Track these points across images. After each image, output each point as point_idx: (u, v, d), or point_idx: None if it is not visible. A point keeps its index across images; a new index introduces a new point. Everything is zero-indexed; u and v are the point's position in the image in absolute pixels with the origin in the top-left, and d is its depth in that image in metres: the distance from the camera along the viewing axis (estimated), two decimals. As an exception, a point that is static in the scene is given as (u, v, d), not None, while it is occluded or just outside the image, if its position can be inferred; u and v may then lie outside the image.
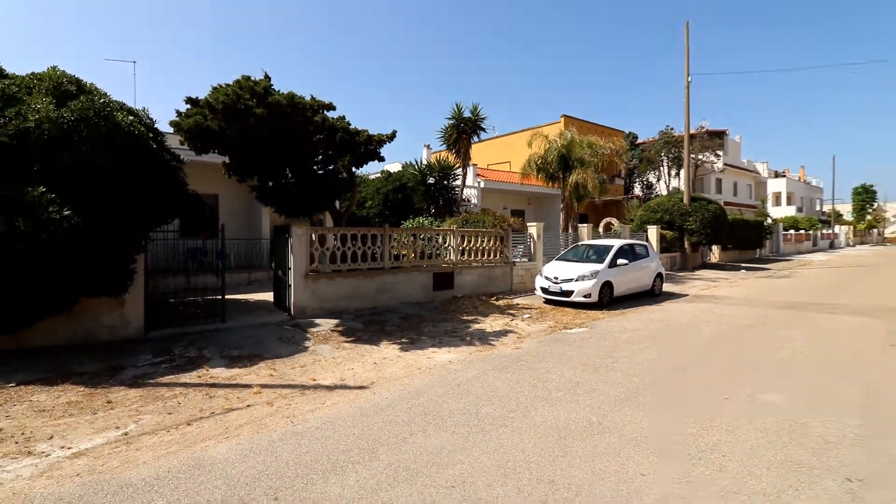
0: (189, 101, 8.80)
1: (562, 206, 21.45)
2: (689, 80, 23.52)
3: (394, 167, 22.80)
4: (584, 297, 11.07)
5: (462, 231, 13.02)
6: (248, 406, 4.89)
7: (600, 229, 23.99)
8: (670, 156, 36.37)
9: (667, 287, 14.42)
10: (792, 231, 42.24)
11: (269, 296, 11.27)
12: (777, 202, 54.89)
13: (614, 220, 24.44)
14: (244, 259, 15.51)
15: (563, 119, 31.15)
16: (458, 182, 19.08)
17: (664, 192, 35.73)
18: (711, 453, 3.70)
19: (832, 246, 50.04)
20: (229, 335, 7.86)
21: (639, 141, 41.19)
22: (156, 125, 8.11)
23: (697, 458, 3.63)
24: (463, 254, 12.90)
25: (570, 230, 19.48)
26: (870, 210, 67.88)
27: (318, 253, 9.79)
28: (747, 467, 3.47)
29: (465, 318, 9.85)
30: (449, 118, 19.00)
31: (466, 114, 18.75)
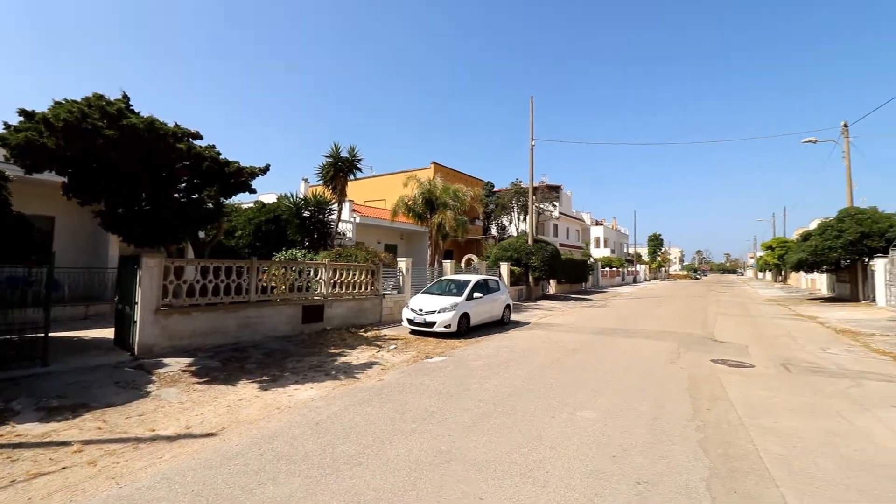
0: (23, 113, 7.29)
1: (429, 243, 22.12)
2: (533, 143, 26.34)
3: (269, 198, 21.43)
4: (445, 327, 11.36)
5: (334, 264, 12.58)
6: (63, 468, 3.96)
7: (462, 264, 25.13)
8: (519, 203, 40.16)
9: (514, 316, 15.51)
10: (607, 268, 48.95)
11: (110, 332, 9.50)
12: (597, 245, 63.43)
13: (474, 257, 25.85)
14: (83, 290, 12.96)
15: (433, 166, 32.51)
16: (334, 217, 18.58)
17: (514, 234, 39.10)
18: (538, 470, 3.95)
19: (635, 280, 59.08)
20: (51, 381, 6.39)
21: (496, 189, 44.70)
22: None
23: (527, 476, 3.84)
24: (335, 286, 12.44)
25: (436, 265, 20.05)
26: (659, 253, 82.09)
27: (172, 286, 8.59)
28: (565, 480, 3.76)
29: (333, 350, 9.39)
30: (327, 156, 18.58)
31: (344, 153, 18.54)
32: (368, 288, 13.45)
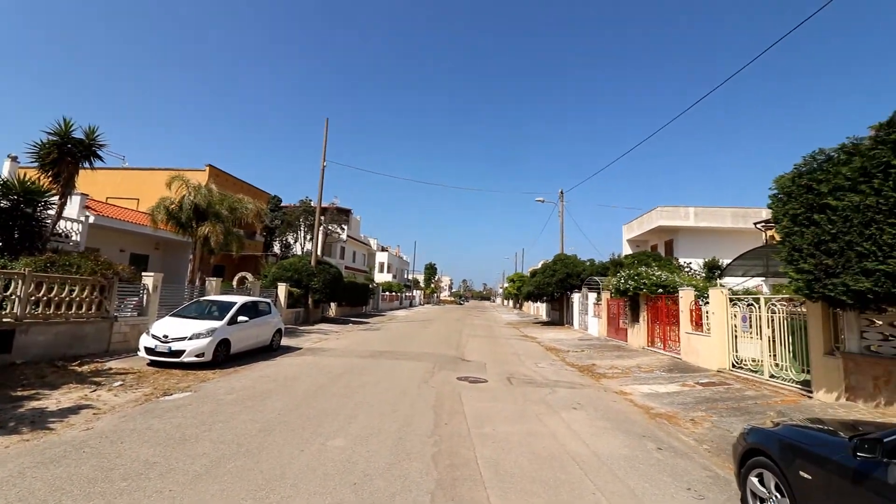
0: None
1: (192, 256, 19.03)
2: (325, 165, 26.05)
3: (-63, 178, 15.02)
4: (197, 356, 9.81)
5: (40, 276, 9.53)
6: None
7: (234, 283, 22.52)
8: (307, 222, 38.76)
9: (287, 341, 14.60)
10: (388, 292, 51.47)
11: None
12: (381, 269, 66.17)
13: (249, 275, 23.49)
14: None
15: (208, 168, 28.44)
16: (52, 212, 14.15)
17: (299, 253, 37.40)
18: (273, 515, 3.65)
19: (411, 304, 63.77)
20: None
21: (283, 204, 42.11)
22: None
23: (259, 524, 3.50)
24: (39, 305, 9.38)
25: (197, 283, 17.38)
26: (433, 280, 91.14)
27: None
28: (300, 521, 3.58)
29: (20, 393, 6.97)
30: (51, 133, 14.14)
31: (79, 134, 14.45)
32: (94, 308, 10.63)
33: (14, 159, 21.62)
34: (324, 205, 37.00)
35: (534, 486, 4.44)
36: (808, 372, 8.68)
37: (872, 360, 7.32)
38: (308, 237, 39.64)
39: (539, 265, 45.33)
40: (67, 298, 9.98)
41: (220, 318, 11.06)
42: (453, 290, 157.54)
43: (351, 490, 4.15)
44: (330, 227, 42.56)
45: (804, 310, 8.82)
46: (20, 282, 9.08)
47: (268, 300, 14.48)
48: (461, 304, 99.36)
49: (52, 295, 9.66)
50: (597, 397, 8.72)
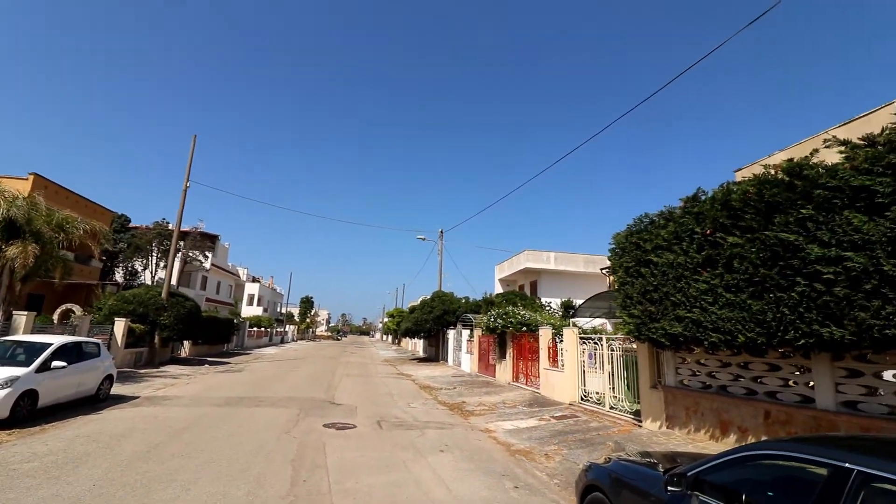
0: None
1: (-5, 283, 15.18)
2: (188, 185, 23.40)
3: None
4: (-16, 413, 7.67)
5: None
6: None
7: (56, 317, 18.59)
8: (161, 248, 33.98)
9: (120, 389, 12.29)
10: (255, 328, 47.10)
11: None
12: (251, 302, 60.63)
13: (76, 308, 19.59)
14: None
15: (32, 178, 23.47)
16: None
17: (149, 282, 32.41)
18: None
19: (283, 340, 59.08)
20: None
21: (131, 224, 36.42)
22: None
23: None
24: None
25: (1, 317, 13.89)
26: (310, 314, 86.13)
27: None
28: None
29: None
30: None
31: None
32: None
33: None
34: (185, 228, 33.02)
35: (393, 543, 4.27)
36: (639, 403, 10.04)
37: (684, 392, 8.76)
38: (162, 264, 34.67)
39: (418, 301, 45.96)
40: None
41: (28, 363, 8.91)
42: (331, 325, 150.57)
43: (177, 578, 3.51)
44: (191, 254, 37.91)
45: (635, 347, 10.29)
46: None
47: (97, 341, 12.07)
48: (339, 339, 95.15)
49: None
50: (464, 437, 8.90)
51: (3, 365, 8.79)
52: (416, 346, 45.67)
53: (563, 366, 13.26)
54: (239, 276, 56.78)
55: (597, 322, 19.25)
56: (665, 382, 9.22)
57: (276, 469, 6.31)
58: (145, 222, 36.83)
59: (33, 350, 9.46)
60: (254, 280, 64.92)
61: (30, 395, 8.59)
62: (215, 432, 8.32)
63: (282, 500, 5.19)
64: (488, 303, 26.42)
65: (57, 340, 10.02)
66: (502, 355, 18.32)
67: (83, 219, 18.79)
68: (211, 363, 22.93)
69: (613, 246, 9.96)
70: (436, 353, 31.91)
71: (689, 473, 3.23)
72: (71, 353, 9.98)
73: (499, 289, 34.18)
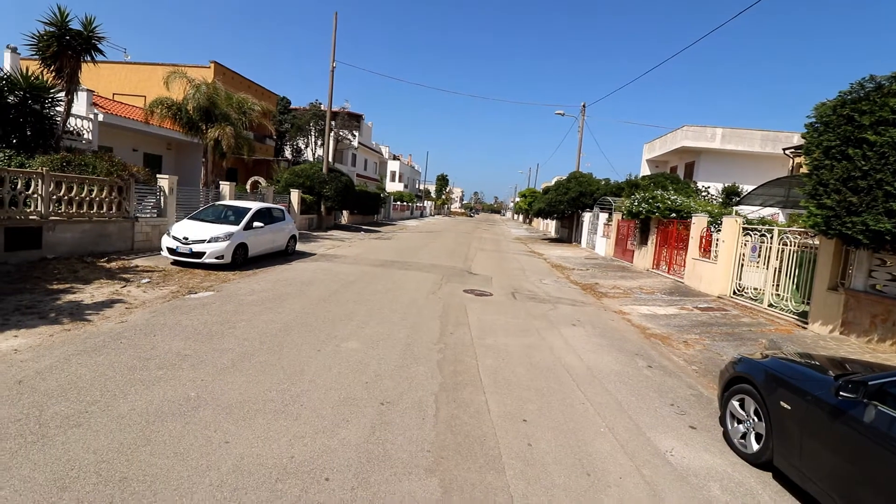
0: None
1: (204, 159, 18.93)
2: (334, 65, 24.58)
3: (-60, 66, 14.60)
4: (217, 258, 10.24)
5: (58, 176, 9.67)
6: None
7: (247, 187, 22.64)
8: (317, 127, 37.63)
9: (301, 247, 15.05)
10: (398, 202, 51.56)
11: None
12: (393, 178, 65.54)
13: (262, 180, 23.52)
14: None
15: (213, 66, 27.05)
16: (62, 109, 13.92)
17: (311, 159, 36.89)
18: (293, 405, 4.09)
19: (422, 215, 64.16)
20: None
21: (292, 107, 40.61)
22: None
23: (281, 412, 3.94)
24: (61, 204, 9.64)
25: (211, 186, 17.49)
26: (445, 192, 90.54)
27: None
28: (317, 411, 4.02)
29: (56, 286, 7.46)
30: (46, 23, 13.38)
31: (77, 25, 13.66)
32: (114, 208, 10.91)
33: (14, 50, 20.63)
34: (334, 109, 35.61)
35: (528, 393, 4.85)
36: (808, 304, 8.85)
37: (875, 298, 7.40)
38: (319, 142, 38.77)
39: (553, 182, 44.47)
40: (88, 198, 10.21)
41: (237, 223, 11.32)
42: (464, 202, 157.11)
43: (363, 388, 4.58)
44: (341, 133, 41.36)
45: (816, 242, 8.75)
46: (40, 181, 9.23)
47: (282, 207, 14.67)
48: (471, 216, 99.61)
49: (72, 194, 9.87)
50: (596, 315, 9.10)
51: (220, 223, 11.32)
52: (548, 226, 45.57)
53: (716, 257, 12.07)
54: (382, 154, 60.97)
55: (766, 212, 16.56)
56: (850, 285, 7.84)
57: (426, 321, 7.39)
58: (302, 104, 40.59)
59: (239, 212, 11.90)
60: (394, 158, 69.20)
61: (242, 247, 11.08)
62: (376, 286, 9.90)
63: (434, 345, 6.15)
64: (632, 185, 24.32)
65: (254, 205, 12.40)
66: (643, 241, 17.32)
67: (255, 100, 21.51)
68: (365, 231, 26.34)
69: (813, 120, 7.94)
70: (568, 235, 31.58)
71: (871, 382, 2.88)
72: (265, 216, 12.34)
73: (646, 170, 30.91)
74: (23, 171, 9.15)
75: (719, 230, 12.14)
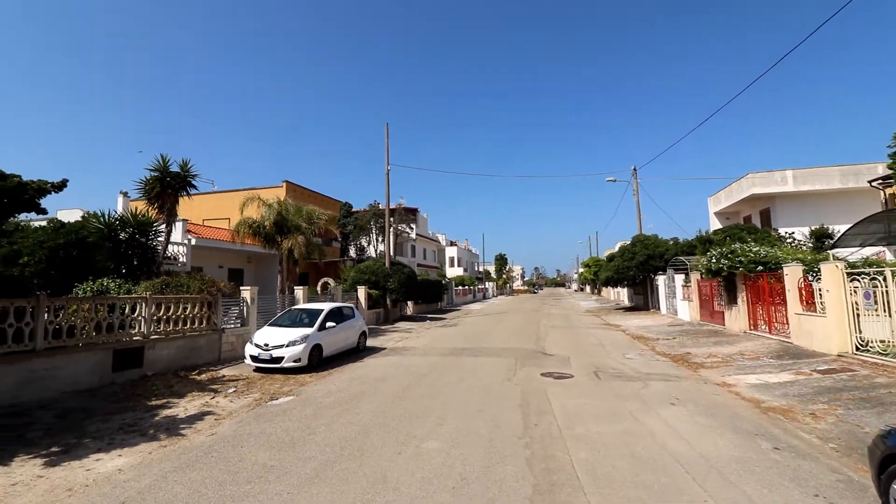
0: None
1: (280, 267, 20.64)
2: (388, 169, 26.86)
3: (74, 215, 17.63)
4: (295, 361, 10.65)
5: (158, 298, 10.85)
6: None
7: (318, 289, 24.01)
8: (377, 225, 40.26)
9: (371, 341, 15.34)
10: (460, 287, 52.03)
11: None
12: (452, 264, 66.98)
13: (331, 281, 24.96)
14: None
15: (285, 185, 30.66)
16: (162, 239, 16.10)
17: (374, 255, 38.96)
18: (381, 518, 3.88)
19: (484, 297, 63.92)
20: None
21: (354, 209, 44.12)
22: None
23: (369, 527, 3.74)
24: (160, 323, 10.70)
25: (287, 292, 18.79)
26: (504, 271, 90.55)
27: None
28: (406, 525, 3.76)
29: (154, 402, 8.02)
30: (152, 169, 16.10)
31: (175, 168, 16.30)
32: (204, 322, 11.91)
33: (125, 195, 24.80)
34: (391, 206, 38.25)
35: (636, 491, 4.28)
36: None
37: None
38: (380, 239, 41.13)
39: (616, 248, 43.28)
40: (182, 315, 11.28)
41: (311, 324, 11.87)
42: (525, 279, 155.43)
43: (450, 494, 4.28)
44: (399, 227, 43.80)
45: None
46: (143, 304, 10.42)
47: (350, 305, 15.29)
48: (535, 292, 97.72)
49: (170, 313, 10.98)
50: (696, 390, 8.17)
51: (296, 326, 11.92)
52: (620, 294, 43.46)
53: (823, 309, 10.72)
54: (439, 242, 63.23)
55: (868, 251, 14.81)
56: None
57: (506, 412, 6.99)
58: (362, 206, 44.01)
59: (313, 314, 12.53)
60: (451, 244, 71.37)
61: (317, 349, 11.47)
62: (448, 378, 9.67)
63: (519, 439, 5.74)
64: (704, 242, 23.02)
65: (326, 306, 13.04)
66: (732, 300, 15.88)
67: (321, 210, 23.73)
68: (430, 319, 26.51)
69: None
70: (644, 302, 29.77)
71: None
72: (336, 316, 12.88)
73: (716, 224, 29.33)
74: (130, 297, 10.42)
75: (818, 279, 10.91)
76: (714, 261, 15.98)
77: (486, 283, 73.32)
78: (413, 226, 47.54)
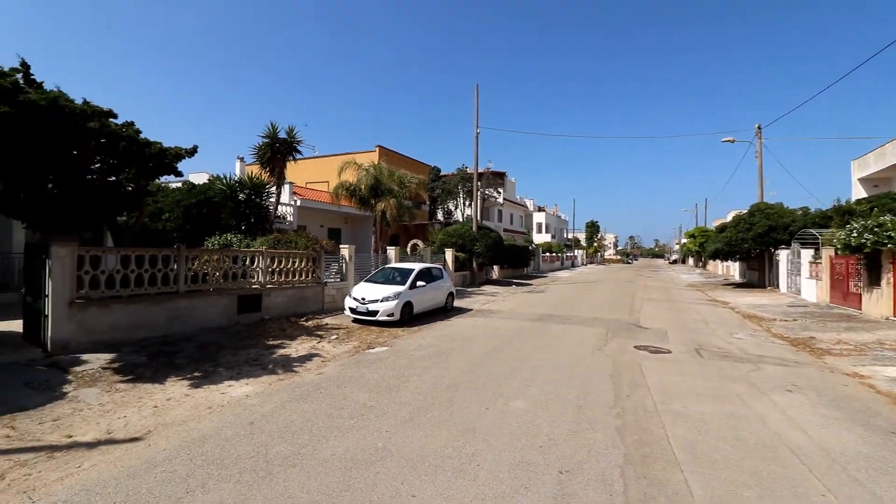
0: None
1: (374, 228, 21.83)
2: (478, 132, 26.53)
3: (200, 178, 20.09)
4: (388, 316, 11.38)
5: (272, 252, 12.13)
6: (-39, 486, 3.61)
7: (408, 250, 25.06)
8: (465, 189, 40.44)
9: (457, 303, 15.79)
10: (548, 253, 50.88)
11: (17, 325, 8.64)
12: (539, 230, 65.55)
13: (419, 242, 25.86)
14: (-17, 277, 11.63)
15: (378, 149, 31.82)
16: (273, 200, 17.82)
17: (460, 219, 39.43)
18: (470, 464, 4.13)
19: (573, 265, 61.90)
20: (-57, 385, 5.74)
21: (442, 174, 44.67)
22: None
23: (459, 470, 4.00)
24: (273, 274, 12.01)
25: (380, 252, 19.89)
26: (596, 239, 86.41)
27: (89, 276, 7.92)
28: (494, 473, 3.97)
29: (271, 342, 9.14)
30: (263, 136, 17.67)
31: (282, 134, 17.72)
32: (309, 276, 13.12)
33: (241, 160, 27.62)
34: (479, 170, 38.05)
35: (741, 476, 4.03)
36: None
37: None
38: (467, 203, 41.38)
39: (729, 217, 38.99)
40: (291, 268, 12.54)
41: (403, 283, 12.52)
42: (619, 249, 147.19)
43: (538, 452, 4.39)
44: (486, 192, 43.57)
45: None
46: (260, 257, 11.73)
47: (439, 266, 15.81)
48: (629, 262, 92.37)
49: (281, 266, 12.26)
50: (820, 379, 7.30)
51: (389, 284, 12.64)
52: (729, 269, 39.52)
53: None
54: (527, 207, 61.93)
55: None
56: None
57: (596, 381, 6.88)
58: (450, 170, 44.34)
59: (404, 273, 13.17)
60: (539, 209, 69.51)
61: (408, 305, 12.12)
62: (535, 342, 9.70)
63: (609, 409, 5.65)
64: (843, 213, 19.81)
65: (417, 266, 13.61)
66: (873, 281, 13.65)
67: (412, 174, 24.39)
68: (516, 284, 26.48)
69: None
70: (759, 278, 26.73)
71: None
72: (426, 276, 13.42)
73: (860, 192, 24.91)
74: (249, 250, 11.79)
75: None
76: (855, 235, 13.73)
77: (575, 250, 70.80)
78: (500, 190, 47.01)
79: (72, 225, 7.81)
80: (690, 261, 73.25)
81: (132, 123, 8.42)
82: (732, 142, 28.73)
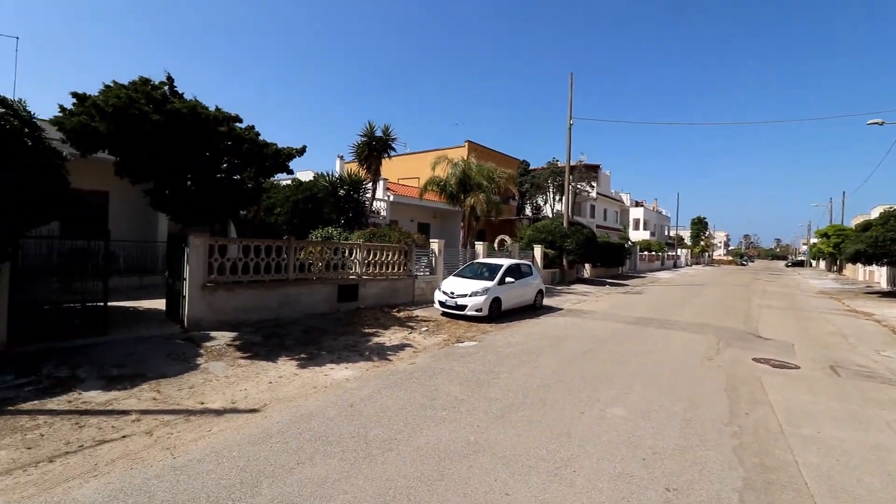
0: (76, 96, 7.68)
1: (462, 223, 22.10)
2: (571, 122, 25.49)
3: (306, 175, 21.89)
4: (476, 311, 11.45)
5: (368, 245, 12.82)
6: (124, 437, 4.34)
7: (495, 245, 25.00)
8: (555, 183, 39.19)
9: (546, 301, 15.41)
10: (646, 252, 47.54)
11: (161, 303, 10.13)
12: (636, 227, 61.45)
13: (507, 238, 25.66)
14: (137, 262, 13.80)
15: (467, 144, 32.11)
16: (369, 195, 18.85)
17: (550, 215, 38.37)
18: (565, 468, 4.00)
19: (675, 265, 57.17)
20: (110, 350, 6.92)
21: (531, 168, 43.75)
22: (34, 117, 6.91)
23: (554, 474, 3.90)
24: (369, 266, 12.70)
25: (468, 246, 20.09)
26: (703, 237, 78.83)
27: (217, 263, 9.03)
28: (592, 481, 3.80)
29: (367, 330, 9.68)
30: (361, 135, 18.73)
31: (378, 133, 18.63)
32: (401, 268, 13.66)
33: (341, 158, 29.55)
34: (571, 163, 36.64)
35: (897, 518, 3.42)
36: None
37: None
38: (557, 198, 40.10)
39: (874, 214, 33.30)
40: (385, 261, 13.16)
41: (491, 278, 12.51)
42: (731, 248, 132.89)
43: (640, 465, 4.12)
44: (579, 186, 41.83)
45: None
46: (357, 249, 12.47)
47: (528, 262, 15.53)
48: (744, 264, 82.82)
49: (376, 258, 12.92)
50: None
51: (477, 279, 12.68)
52: (873, 275, 33.83)
53: None
54: (623, 202, 58.43)
55: None
56: None
57: (707, 394, 6.28)
58: (539, 164, 43.28)
59: (492, 269, 13.14)
60: (637, 205, 65.09)
61: (496, 301, 12.07)
62: (633, 347, 9.12)
63: (724, 426, 5.12)
64: None
65: (506, 262, 13.51)
66: None
67: (501, 169, 24.21)
68: (610, 284, 25.13)
69: None
70: (914, 287, 22.44)
71: None
72: (515, 272, 13.26)
73: None
74: (348, 243, 12.60)
75: None
76: None
77: (679, 250, 65.24)
78: (594, 184, 44.91)
79: (205, 218, 8.96)
80: (821, 264, 63.81)
81: (252, 127, 9.40)
82: (881, 124, 24.31)
